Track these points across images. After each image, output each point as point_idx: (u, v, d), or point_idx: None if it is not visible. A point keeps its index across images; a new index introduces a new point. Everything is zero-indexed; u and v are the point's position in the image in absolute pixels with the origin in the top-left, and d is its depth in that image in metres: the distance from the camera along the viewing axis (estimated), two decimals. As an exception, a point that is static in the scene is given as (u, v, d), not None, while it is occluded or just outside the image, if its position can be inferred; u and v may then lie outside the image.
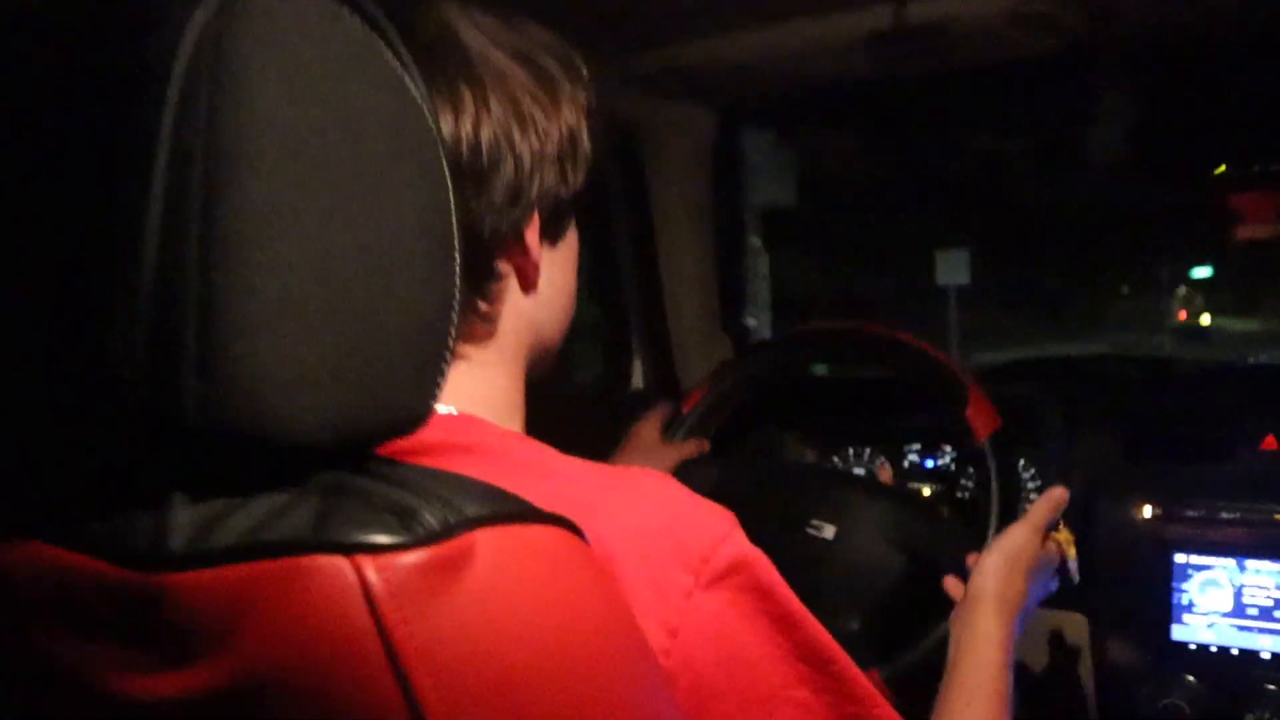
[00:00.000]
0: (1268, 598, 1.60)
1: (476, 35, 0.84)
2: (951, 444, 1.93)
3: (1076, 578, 1.42)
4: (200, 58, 0.55)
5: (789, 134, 2.36)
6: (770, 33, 1.69)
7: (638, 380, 2.21)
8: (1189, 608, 1.65)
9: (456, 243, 0.66)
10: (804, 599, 0.81)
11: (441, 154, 0.66)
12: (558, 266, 0.93)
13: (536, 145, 0.84)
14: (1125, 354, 2.28)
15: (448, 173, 0.66)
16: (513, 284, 0.88)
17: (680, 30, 1.72)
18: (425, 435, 0.73)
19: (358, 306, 0.59)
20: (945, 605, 1.36)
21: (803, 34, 1.68)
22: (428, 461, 0.67)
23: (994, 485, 1.51)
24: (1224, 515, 1.64)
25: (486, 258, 0.85)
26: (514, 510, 0.60)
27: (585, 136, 0.89)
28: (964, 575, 1.33)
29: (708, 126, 2.09)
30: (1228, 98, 1.73)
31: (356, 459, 0.61)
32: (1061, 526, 1.41)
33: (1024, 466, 1.84)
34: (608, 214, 2.11)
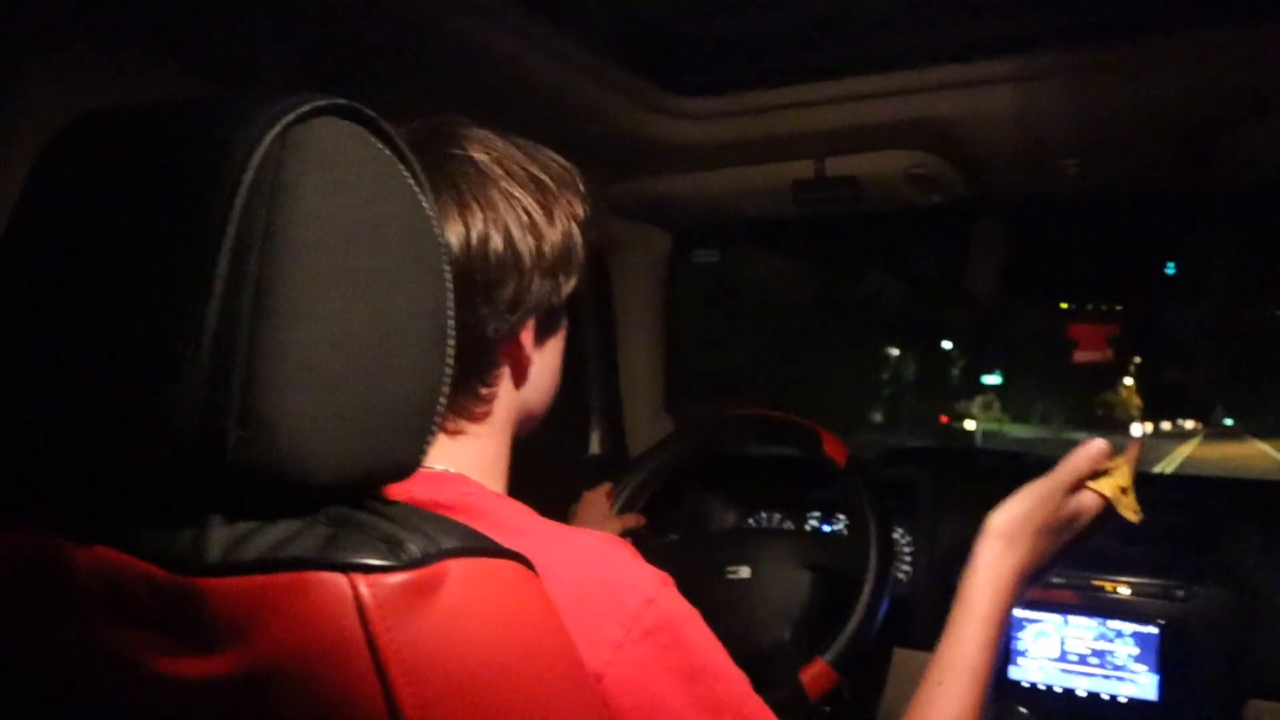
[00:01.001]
0: (1085, 647, 1.63)
1: (487, 156, 0.84)
2: (843, 511, 1.95)
3: (1135, 518, 1.04)
4: (264, 173, 0.58)
5: (731, 253, 2.40)
6: (717, 176, 1.74)
7: (595, 447, 2.21)
8: (1023, 653, 1.67)
9: (450, 333, 0.67)
10: (737, 628, 0.82)
11: (444, 260, 0.67)
12: (547, 356, 0.93)
13: (536, 259, 0.83)
14: (988, 446, 2.30)
15: (449, 277, 0.68)
16: (508, 374, 0.89)
17: (645, 169, 1.76)
18: (419, 492, 0.74)
19: (367, 377, 0.61)
20: (853, 600, 1.44)
21: (741, 179, 1.72)
22: None
23: (865, 500, 1.56)
24: (1054, 580, 1.66)
25: (488, 353, 0.86)
26: (481, 545, 0.62)
27: (580, 247, 0.88)
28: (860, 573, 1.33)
29: (663, 245, 2.12)
30: (1071, 249, 1.79)
31: (360, 497, 0.63)
32: (1110, 471, 1.05)
33: (901, 534, 1.86)
34: (579, 309, 2.13)
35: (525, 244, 0.83)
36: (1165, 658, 1.57)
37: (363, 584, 0.54)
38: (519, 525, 0.80)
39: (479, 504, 0.82)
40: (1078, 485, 1.04)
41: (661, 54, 1.50)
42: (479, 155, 0.84)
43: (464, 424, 0.88)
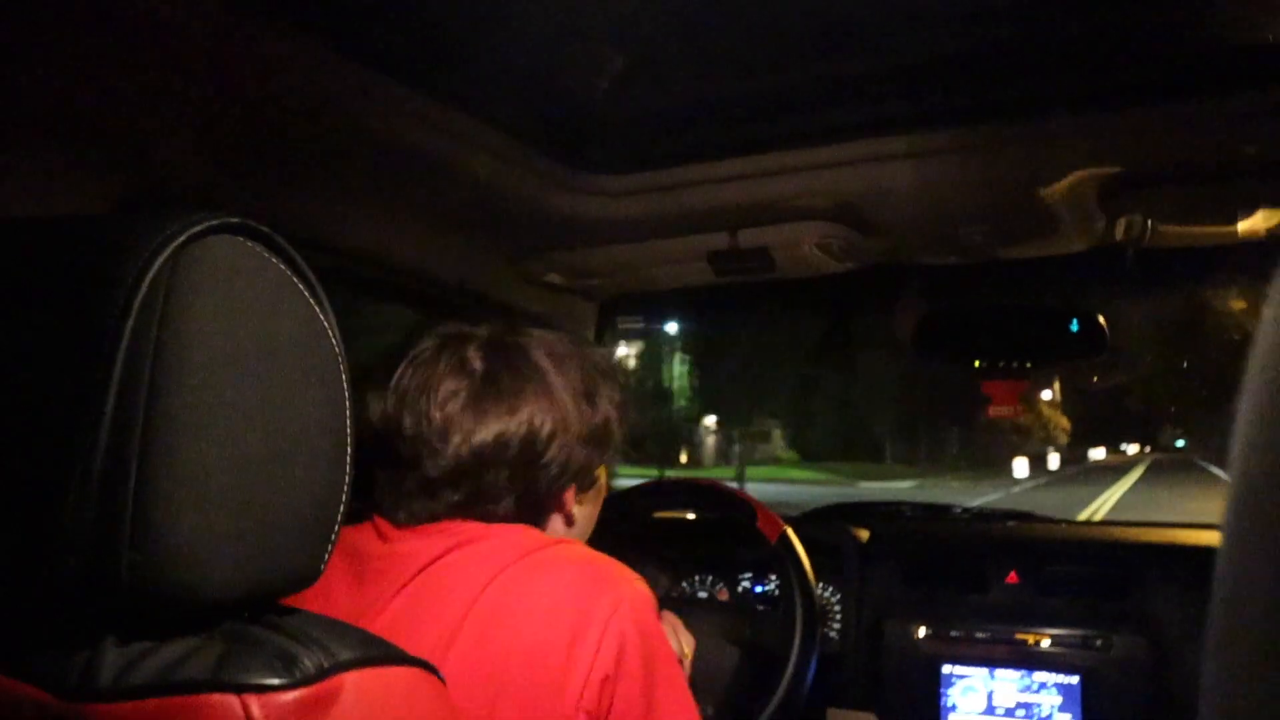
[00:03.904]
0: (1012, 699, 1.65)
1: (547, 359, 1.04)
2: (775, 572, 1.97)
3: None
4: (154, 294, 0.58)
5: (655, 323, 2.42)
6: (633, 249, 1.76)
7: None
8: (953, 708, 1.69)
9: (349, 441, 0.68)
10: None
11: (342, 370, 0.68)
12: (588, 504, 1.13)
13: (577, 438, 1.04)
14: (912, 500, 2.33)
15: (347, 387, 0.68)
16: (559, 519, 1.08)
17: (562, 243, 1.78)
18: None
19: (263, 492, 0.61)
20: (776, 674, 1.44)
21: (658, 251, 1.75)
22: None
23: (792, 574, 1.56)
24: (979, 635, 1.69)
25: (544, 502, 1.05)
26: (380, 654, 0.62)
27: (616, 424, 1.09)
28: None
29: (587, 314, 2.14)
30: (980, 309, 1.83)
31: (259, 610, 0.63)
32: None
33: (829, 590, 1.88)
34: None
35: (570, 426, 1.03)
36: (1087, 707, 1.60)
37: (255, 704, 0.54)
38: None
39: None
40: None
41: (573, 133, 1.52)
42: (539, 357, 1.05)
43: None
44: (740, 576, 2.01)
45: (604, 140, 1.55)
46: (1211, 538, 1.77)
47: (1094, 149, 1.37)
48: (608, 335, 2.22)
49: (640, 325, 2.23)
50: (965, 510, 2.26)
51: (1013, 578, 1.76)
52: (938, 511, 2.30)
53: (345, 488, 0.67)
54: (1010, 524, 2.07)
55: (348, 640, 0.61)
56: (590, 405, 1.06)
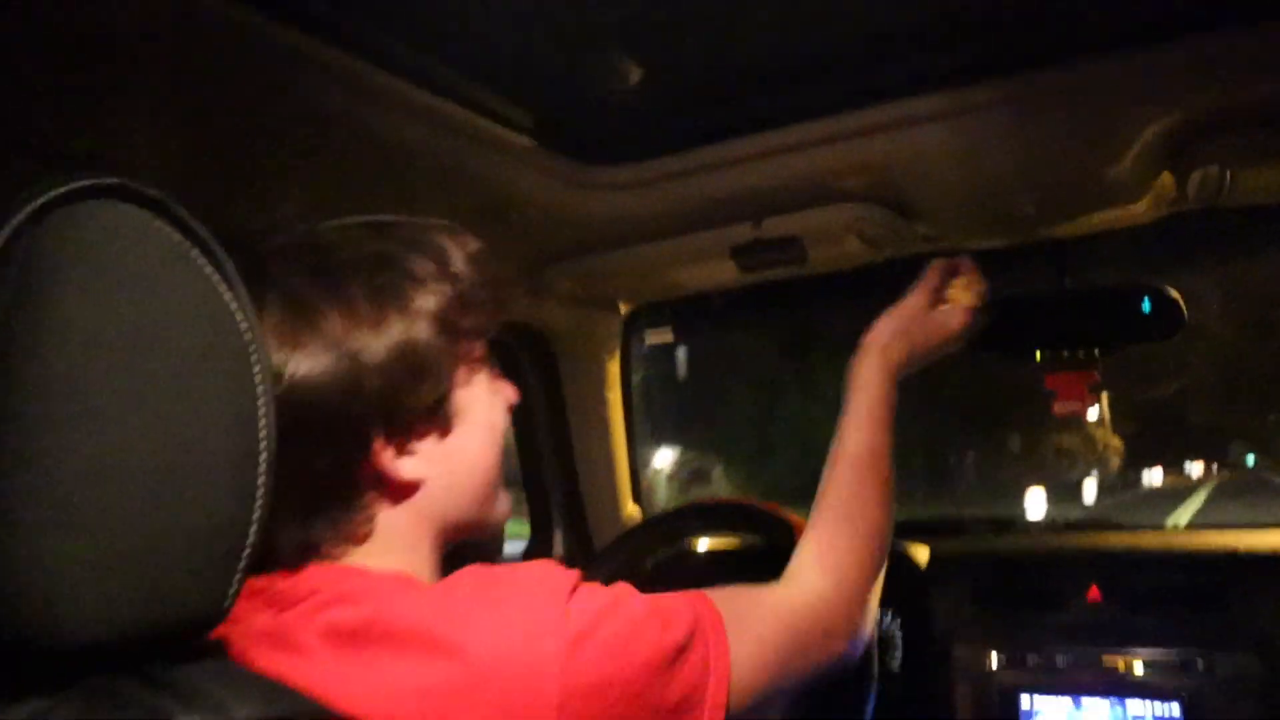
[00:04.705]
0: (1102, 733, 1.45)
1: (306, 276, 0.73)
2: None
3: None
4: (8, 259, 0.47)
5: (687, 331, 2.27)
6: (651, 249, 1.62)
7: (558, 548, 2.06)
8: (1035, 744, 1.49)
9: (264, 441, 0.55)
10: None
11: (254, 358, 0.55)
12: (448, 456, 0.80)
13: (355, 380, 0.72)
14: (976, 514, 2.16)
15: (261, 379, 0.55)
16: (381, 495, 0.77)
17: (577, 248, 1.64)
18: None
19: (145, 510, 0.49)
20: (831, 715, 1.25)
21: (677, 249, 1.60)
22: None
23: None
24: (1060, 660, 1.50)
25: (339, 483, 0.75)
26: (288, 712, 0.48)
27: (428, 347, 0.76)
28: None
29: (612, 327, 2.00)
30: (1038, 295, 1.66)
31: (142, 659, 0.49)
32: (961, 282, 1.28)
33: (888, 617, 1.70)
34: (529, 403, 1.99)
35: (337, 369, 0.71)
36: (1192, 737, 1.41)
37: None
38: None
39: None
40: (937, 300, 1.24)
41: (576, 124, 1.39)
42: (291, 279, 0.72)
43: (347, 548, 0.76)
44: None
45: (610, 125, 1.40)
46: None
47: (1154, 91, 1.19)
48: (633, 349, 2.07)
49: (670, 339, 2.07)
50: (1030, 521, 2.08)
51: (1094, 594, 1.56)
52: (1003, 524, 2.11)
53: (258, 504, 0.54)
54: (1088, 534, 1.87)
55: (250, 694, 0.48)
56: (371, 327, 0.73)
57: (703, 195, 1.47)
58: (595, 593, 0.74)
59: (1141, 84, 1.19)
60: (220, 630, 0.61)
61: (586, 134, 1.41)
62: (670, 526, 1.68)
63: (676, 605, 0.79)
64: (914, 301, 1.22)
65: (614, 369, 2.04)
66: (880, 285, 1.93)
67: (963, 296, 1.26)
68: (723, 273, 1.66)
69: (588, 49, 1.32)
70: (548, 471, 2.05)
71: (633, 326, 2.05)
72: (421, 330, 0.75)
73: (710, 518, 1.66)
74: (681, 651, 0.75)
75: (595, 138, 1.42)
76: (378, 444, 0.74)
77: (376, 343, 0.73)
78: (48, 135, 0.99)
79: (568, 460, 2.03)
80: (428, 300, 0.76)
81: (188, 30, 0.89)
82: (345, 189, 1.29)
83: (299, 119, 1.10)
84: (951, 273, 1.27)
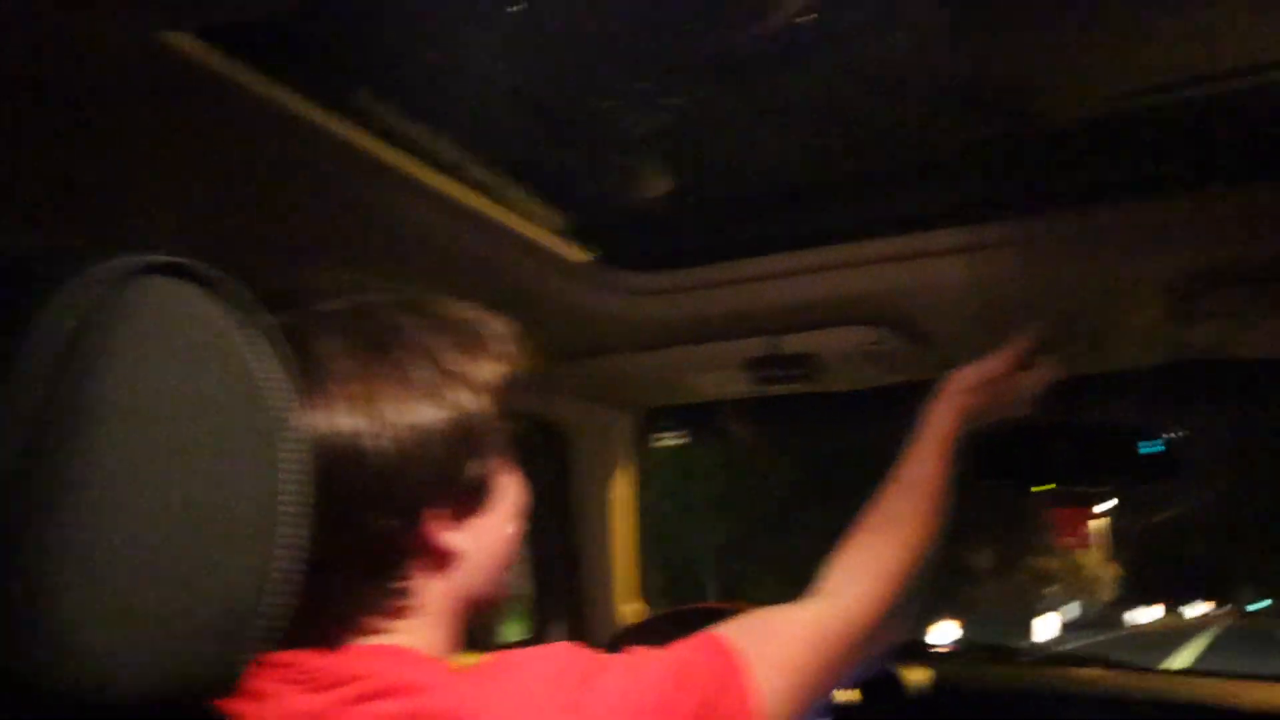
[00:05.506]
0: None
1: (349, 340, 0.74)
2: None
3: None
4: (74, 340, 0.50)
5: (698, 434, 2.30)
6: (668, 354, 1.66)
7: (556, 640, 2.06)
8: None
9: (287, 519, 0.58)
10: None
11: (284, 435, 0.59)
12: (484, 532, 0.81)
13: (418, 449, 0.73)
14: (980, 641, 2.14)
15: (290, 456, 0.58)
16: (425, 566, 0.77)
17: (594, 348, 1.68)
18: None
19: (170, 577, 0.51)
20: None
21: (693, 357, 1.64)
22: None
23: None
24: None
25: (390, 548, 0.75)
26: None
27: (485, 421, 0.77)
28: None
29: (624, 427, 2.03)
30: (1041, 426, 1.68)
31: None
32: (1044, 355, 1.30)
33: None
34: (537, 495, 2.01)
35: (393, 437, 0.73)
36: None
37: None
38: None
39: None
40: (1019, 364, 1.27)
41: (604, 228, 1.44)
42: (345, 345, 0.74)
43: (386, 621, 0.76)
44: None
45: (635, 235, 1.46)
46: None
47: (1163, 241, 1.24)
48: (644, 450, 2.10)
49: (681, 441, 2.10)
50: (1034, 652, 2.06)
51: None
52: (1003, 652, 2.10)
53: (275, 575, 0.57)
54: (1092, 671, 1.86)
55: None
56: (432, 400, 0.75)
57: (721, 307, 1.51)
58: (615, 667, 0.76)
59: (1152, 234, 1.23)
60: (250, 708, 0.63)
61: (613, 239, 1.46)
62: (674, 625, 1.68)
63: (696, 659, 0.81)
64: (999, 361, 1.25)
65: (623, 467, 2.06)
66: (890, 406, 1.96)
67: (1044, 366, 1.30)
68: (736, 383, 1.69)
69: (620, 157, 1.38)
70: (550, 561, 2.06)
71: (645, 426, 2.08)
72: (478, 404, 0.77)
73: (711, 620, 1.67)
74: (709, 707, 0.77)
75: (621, 243, 1.47)
76: (429, 513, 0.76)
77: (437, 413, 0.74)
78: (74, 207, 1.03)
79: (571, 552, 2.04)
80: (483, 375, 0.78)
81: (217, 111, 0.93)
82: (365, 271, 1.33)
83: (325, 201, 1.14)
84: (1039, 344, 1.30)
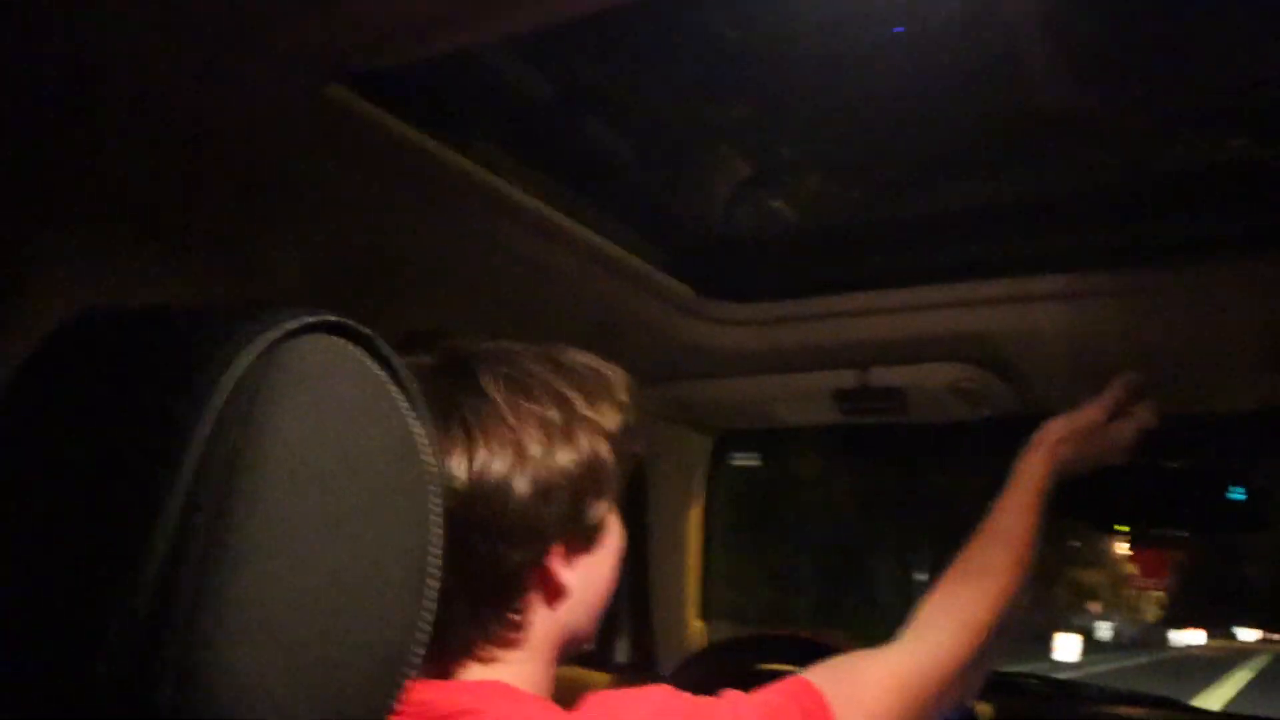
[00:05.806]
0: None
1: (500, 387, 0.79)
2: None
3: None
4: (239, 394, 0.52)
5: (775, 457, 2.31)
6: (756, 382, 1.68)
7: (620, 655, 2.09)
8: None
9: (432, 572, 0.61)
10: None
11: (433, 492, 0.61)
12: (592, 571, 0.84)
13: (549, 488, 0.78)
14: (1042, 673, 2.14)
15: (437, 510, 0.61)
16: (540, 598, 0.81)
17: (682, 374, 1.71)
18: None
19: (330, 625, 0.54)
20: None
21: (782, 386, 1.66)
22: None
23: None
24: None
25: (513, 581, 0.79)
26: None
27: (609, 465, 0.82)
28: None
29: (701, 448, 2.05)
30: (1130, 468, 1.68)
31: None
32: (1142, 403, 1.28)
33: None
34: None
35: (534, 476, 0.77)
36: None
37: None
38: None
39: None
40: (1115, 413, 1.26)
41: (701, 259, 1.47)
42: (490, 387, 0.79)
43: (497, 651, 0.80)
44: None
45: (731, 266, 1.48)
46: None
47: (1262, 298, 1.24)
48: (722, 472, 2.12)
49: (757, 463, 2.12)
50: (1099, 687, 2.06)
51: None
52: (1067, 686, 2.09)
53: (422, 625, 0.60)
54: (1156, 711, 1.85)
55: None
56: (565, 441, 0.79)
57: (813, 340, 1.53)
58: (713, 712, 0.79)
59: (1251, 289, 1.24)
60: None
61: (710, 269, 1.49)
62: (743, 654, 1.70)
63: (790, 707, 0.83)
64: (1094, 411, 1.24)
65: (698, 487, 2.08)
66: (972, 442, 1.96)
67: (1140, 414, 1.29)
68: (821, 413, 1.71)
69: (716, 185, 1.40)
70: (620, 579, 2.08)
71: (721, 448, 2.10)
72: (604, 449, 0.81)
73: (784, 650, 1.69)
74: None
75: (717, 273, 1.50)
76: (554, 549, 0.80)
77: (572, 455, 0.79)
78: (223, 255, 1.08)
79: (641, 571, 2.06)
80: (608, 423, 0.82)
81: (347, 150, 0.97)
82: (472, 300, 1.37)
83: (443, 234, 1.18)
84: (1135, 392, 1.29)
